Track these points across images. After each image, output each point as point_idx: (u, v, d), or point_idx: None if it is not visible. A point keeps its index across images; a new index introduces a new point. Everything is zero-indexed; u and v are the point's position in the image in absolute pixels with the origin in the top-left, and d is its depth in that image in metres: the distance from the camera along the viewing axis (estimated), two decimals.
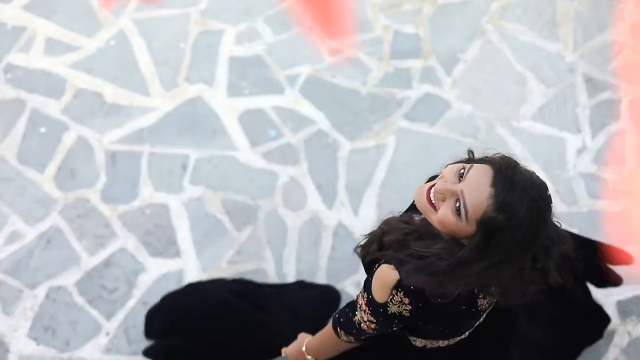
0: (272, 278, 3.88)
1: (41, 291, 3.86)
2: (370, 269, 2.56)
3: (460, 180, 2.29)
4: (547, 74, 4.36)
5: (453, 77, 4.36)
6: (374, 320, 2.51)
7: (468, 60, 4.40)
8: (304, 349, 2.89)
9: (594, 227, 4.00)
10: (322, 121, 4.23)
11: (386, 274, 2.41)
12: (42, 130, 4.20)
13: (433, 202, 2.33)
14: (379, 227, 2.57)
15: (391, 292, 2.41)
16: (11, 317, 3.82)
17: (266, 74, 4.36)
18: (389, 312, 2.44)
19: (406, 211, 2.70)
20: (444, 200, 2.30)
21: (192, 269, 3.91)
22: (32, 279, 3.88)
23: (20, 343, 3.77)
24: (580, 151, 4.17)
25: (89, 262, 3.91)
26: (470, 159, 2.45)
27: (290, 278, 3.88)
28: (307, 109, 4.27)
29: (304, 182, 4.10)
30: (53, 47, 4.40)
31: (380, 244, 2.52)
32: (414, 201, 2.70)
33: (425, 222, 2.47)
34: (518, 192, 2.24)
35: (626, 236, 4.00)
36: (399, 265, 2.39)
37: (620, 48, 4.43)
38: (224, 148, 4.16)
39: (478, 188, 2.25)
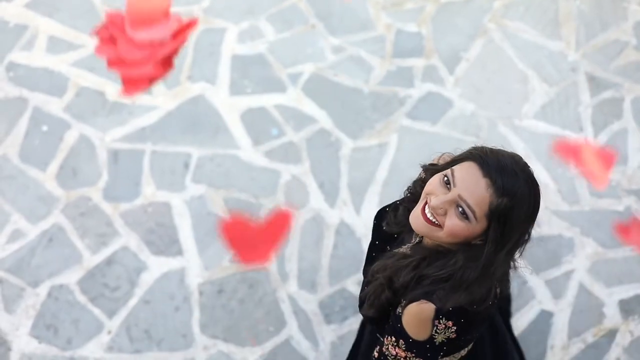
0: (275, 276, 3.88)
1: (43, 289, 3.86)
2: (383, 321, 2.47)
3: (449, 188, 2.25)
4: (550, 73, 4.35)
5: (455, 76, 4.35)
6: None
7: (470, 58, 4.39)
8: None
9: (596, 225, 4.00)
10: (324, 120, 4.23)
11: (419, 311, 2.33)
12: (44, 128, 4.20)
13: (433, 221, 2.28)
14: (380, 277, 2.44)
15: (433, 323, 2.33)
16: (13, 315, 3.82)
17: (268, 72, 4.36)
18: (437, 343, 2.36)
19: (374, 249, 2.63)
20: (445, 214, 2.26)
21: (194, 268, 3.91)
22: (34, 277, 3.88)
23: (22, 341, 3.77)
24: None
25: (91, 260, 3.92)
26: (435, 168, 2.42)
27: (293, 277, 3.88)
28: (309, 107, 4.27)
29: (306, 180, 4.09)
30: (55, 45, 4.40)
31: (394, 289, 2.41)
32: (375, 231, 2.64)
33: (419, 248, 2.44)
34: (510, 171, 2.22)
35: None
36: (427, 297, 2.33)
37: (622, 47, 4.43)
38: (226, 146, 4.16)
39: (473, 184, 2.22)
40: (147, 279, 3.88)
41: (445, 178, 2.26)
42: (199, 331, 3.82)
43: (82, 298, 3.85)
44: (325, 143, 4.18)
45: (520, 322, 3.82)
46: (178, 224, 3.99)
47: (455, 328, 2.34)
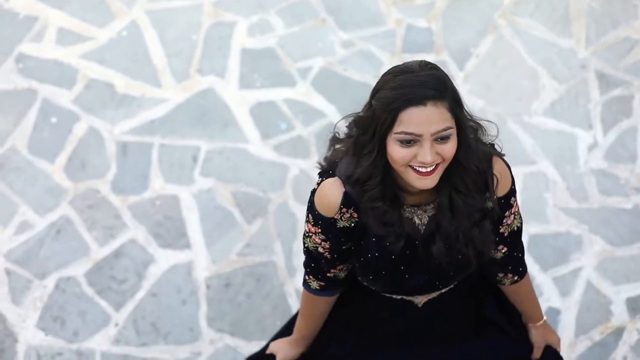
0: (282, 271, 3.88)
1: (50, 281, 3.87)
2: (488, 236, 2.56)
3: (417, 141, 2.30)
4: (560, 70, 4.35)
5: (465, 72, 4.35)
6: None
7: (480, 55, 4.39)
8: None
9: (605, 223, 3.99)
10: (333, 114, 4.23)
11: (501, 178, 2.49)
12: (53, 120, 4.20)
13: (434, 168, 2.33)
14: (468, 232, 2.50)
15: (506, 164, 2.54)
16: (20, 307, 3.83)
17: (278, 66, 4.35)
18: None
19: (403, 266, 2.60)
20: (437, 152, 2.32)
21: (201, 261, 3.91)
22: (42, 269, 3.89)
23: (29, 333, 3.78)
24: (591, 147, 4.17)
25: (99, 252, 3.92)
26: (375, 136, 2.44)
27: (300, 271, 3.88)
28: (318, 101, 4.27)
29: (315, 175, 4.09)
30: (65, 37, 4.40)
31: (486, 217, 2.51)
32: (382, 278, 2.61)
33: (430, 194, 2.48)
34: (424, 78, 2.29)
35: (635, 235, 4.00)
36: (490, 174, 2.48)
37: (633, 45, 4.42)
38: (235, 140, 4.16)
39: (426, 117, 2.28)
40: (154, 272, 3.89)
41: (405, 141, 2.30)
42: (206, 325, 3.82)
43: (89, 290, 3.85)
44: None
45: None
46: (186, 217, 4.00)
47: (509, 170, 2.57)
